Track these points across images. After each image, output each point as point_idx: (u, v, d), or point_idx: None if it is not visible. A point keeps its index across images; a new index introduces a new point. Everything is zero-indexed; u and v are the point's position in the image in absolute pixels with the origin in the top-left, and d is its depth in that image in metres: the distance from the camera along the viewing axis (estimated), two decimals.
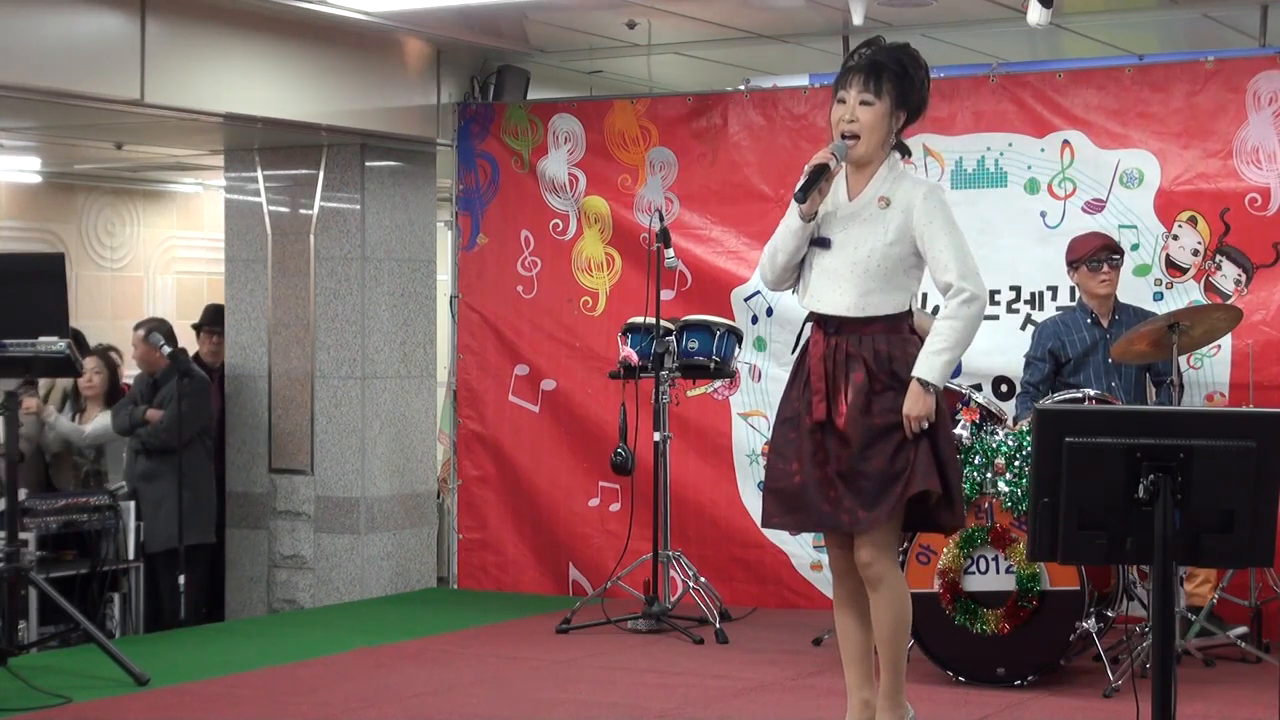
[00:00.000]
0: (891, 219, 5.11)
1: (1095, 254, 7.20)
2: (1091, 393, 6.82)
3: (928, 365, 5.04)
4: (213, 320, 9.72)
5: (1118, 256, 7.25)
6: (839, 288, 5.13)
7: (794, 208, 5.16)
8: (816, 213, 5.14)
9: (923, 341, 5.17)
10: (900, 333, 5.16)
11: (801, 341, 5.32)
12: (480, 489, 9.19)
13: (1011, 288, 7.96)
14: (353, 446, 9.06)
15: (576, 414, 8.90)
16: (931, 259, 5.11)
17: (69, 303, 6.89)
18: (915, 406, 5.03)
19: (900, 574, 5.29)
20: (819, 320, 5.20)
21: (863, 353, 5.09)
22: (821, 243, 5.18)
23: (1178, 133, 7.66)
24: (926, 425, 5.03)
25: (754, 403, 8.50)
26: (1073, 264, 7.28)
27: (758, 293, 8.43)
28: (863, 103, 5.13)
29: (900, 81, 5.16)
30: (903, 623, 5.19)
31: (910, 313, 5.22)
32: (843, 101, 5.17)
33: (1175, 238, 7.63)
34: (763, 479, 8.29)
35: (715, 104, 8.65)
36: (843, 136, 5.15)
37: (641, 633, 7.70)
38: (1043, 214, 7.89)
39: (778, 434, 5.23)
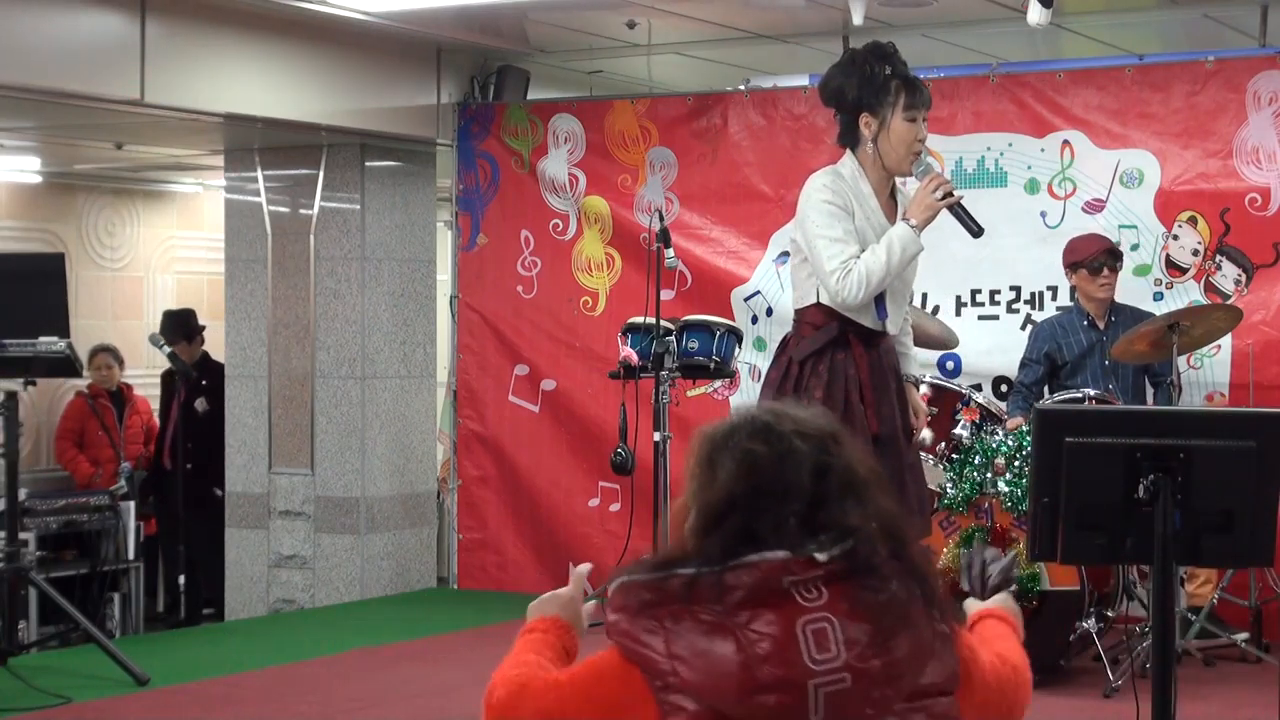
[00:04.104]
0: None
1: (1096, 257, 7.18)
2: (1091, 393, 6.81)
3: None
4: (170, 331, 9.66)
5: (1119, 261, 7.25)
6: (899, 306, 5.29)
7: (902, 230, 5.11)
8: None
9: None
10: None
11: (810, 349, 5.18)
12: (480, 489, 9.18)
13: (1011, 288, 7.95)
14: (353, 446, 9.06)
15: (576, 414, 8.90)
16: None
17: (69, 303, 6.89)
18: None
19: None
20: (861, 334, 5.18)
21: (892, 363, 5.27)
22: None
23: (1178, 133, 7.66)
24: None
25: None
26: (1072, 266, 7.25)
27: (758, 293, 8.43)
28: (926, 120, 5.25)
29: None
30: None
31: None
32: (915, 120, 5.17)
33: (1175, 238, 7.62)
34: None
35: (715, 104, 8.64)
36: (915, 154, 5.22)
37: None
38: (1043, 214, 7.88)
39: None
